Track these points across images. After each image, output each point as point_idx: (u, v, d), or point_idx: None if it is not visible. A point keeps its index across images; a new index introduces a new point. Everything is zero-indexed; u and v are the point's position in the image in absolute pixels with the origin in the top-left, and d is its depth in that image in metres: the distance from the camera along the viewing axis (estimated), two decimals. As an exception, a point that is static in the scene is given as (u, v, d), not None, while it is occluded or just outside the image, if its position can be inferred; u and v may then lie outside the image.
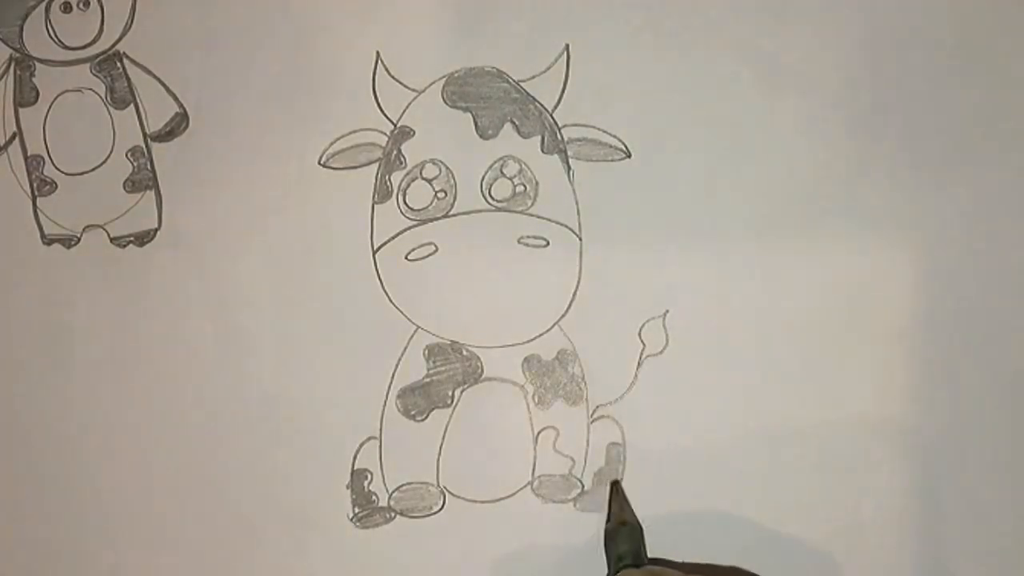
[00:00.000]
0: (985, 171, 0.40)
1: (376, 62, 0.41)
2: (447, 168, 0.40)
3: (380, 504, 0.41)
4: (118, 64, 0.41)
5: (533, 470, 0.40)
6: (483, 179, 0.40)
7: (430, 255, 0.41)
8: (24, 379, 0.42)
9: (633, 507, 0.39)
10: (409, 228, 0.41)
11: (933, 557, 0.40)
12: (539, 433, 0.40)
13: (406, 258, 0.41)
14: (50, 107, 0.42)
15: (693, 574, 0.38)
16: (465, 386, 0.41)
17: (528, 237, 0.40)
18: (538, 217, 0.40)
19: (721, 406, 0.40)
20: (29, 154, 0.42)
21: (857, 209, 0.40)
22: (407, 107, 0.40)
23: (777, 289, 0.40)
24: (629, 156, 0.40)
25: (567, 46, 0.40)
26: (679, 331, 0.40)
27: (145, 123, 0.41)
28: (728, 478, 0.40)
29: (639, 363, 0.40)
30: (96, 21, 0.41)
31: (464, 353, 0.41)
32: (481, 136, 0.40)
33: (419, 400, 0.41)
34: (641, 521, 0.39)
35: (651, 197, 0.40)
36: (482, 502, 0.41)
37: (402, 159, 0.41)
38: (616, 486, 0.40)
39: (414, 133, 0.40)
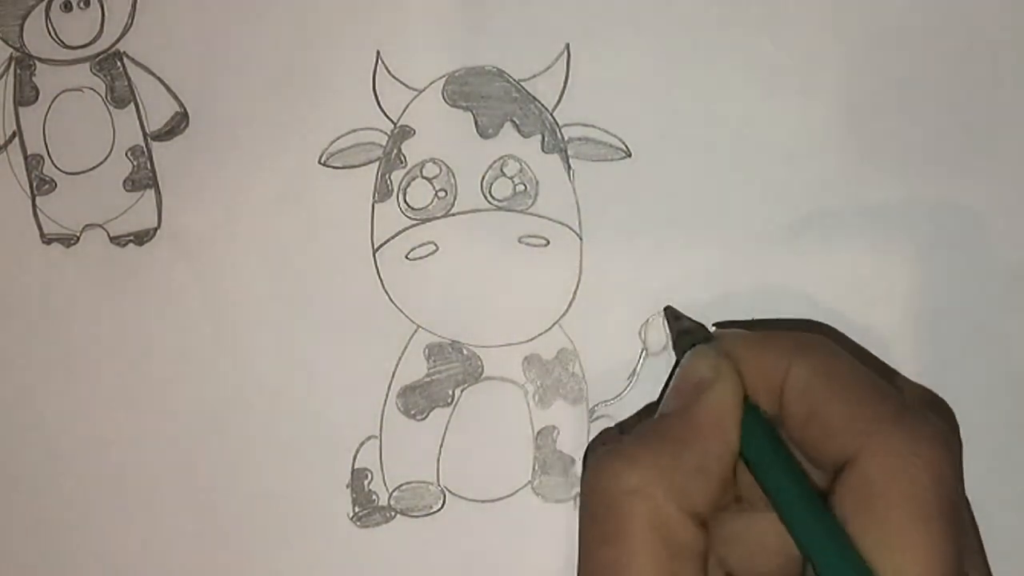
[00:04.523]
0: (986, 171, 0.40)
1: (376, 61, 0.41)
2: (447, 167, 0.40)
3: (380, 504, 0.41)
4: (118, 63, 0.41)
5: (533, 470, 0.40)
6: (483, 178, 0.40)
7: (430, 254, 0.41)
8: (23, 379, 0.42)
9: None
10: (409, 227, 0.40)
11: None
12: (539, 433, 0.40)
13: (406, 257, 0.41)
14: (50, 106, 0.41)
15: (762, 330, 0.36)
16: (465, 385, 0.40)
17: (528, 236, 0.40)
18: (538, 216, 0.40)
19: (721, 406, 0.40)
20: (29, 153, 0.41)
21: (858, 209, 0.40)
22: (407, 106, 0.40)
23: (777, 289, 0.40)
24: (629, 156, 0.40)
25: (567, 46, 0.40)
26: (679, 331, 0.40)
27: (145, 122, 0.41)
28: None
29: (639, 363, 0.40)
30: (96, 20, 0.41)
31: (464, 352, 0.40)
32: (481, 135, 0.40)
33: (419, 399, 0.40)
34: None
35: (651, 197, 0.40)
36: (482, 502, 0.40)
37: (402, 158, 0.41)
38: (668, 309, 0.38)
39: (414, 132, 0.40)
